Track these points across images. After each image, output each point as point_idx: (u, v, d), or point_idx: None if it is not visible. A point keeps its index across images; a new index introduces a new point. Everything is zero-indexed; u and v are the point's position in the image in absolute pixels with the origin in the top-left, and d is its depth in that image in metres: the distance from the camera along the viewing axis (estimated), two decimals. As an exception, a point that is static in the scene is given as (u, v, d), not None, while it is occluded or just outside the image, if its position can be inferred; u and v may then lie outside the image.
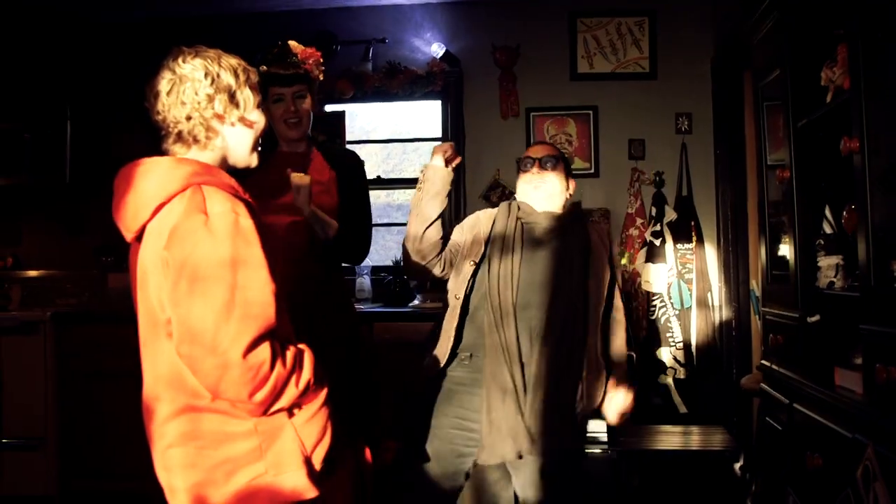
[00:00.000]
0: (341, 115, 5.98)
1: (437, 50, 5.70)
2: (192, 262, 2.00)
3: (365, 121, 6.47)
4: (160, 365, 2.13)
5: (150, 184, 2.10)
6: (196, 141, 2.18)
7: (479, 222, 3.39)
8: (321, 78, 3.81)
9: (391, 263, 5.92)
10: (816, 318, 3.15)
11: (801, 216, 3.28)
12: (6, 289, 5.79)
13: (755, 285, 4.94)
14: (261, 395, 2.02)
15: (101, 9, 5.66)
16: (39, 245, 6.13)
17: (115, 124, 5.78)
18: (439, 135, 5.96)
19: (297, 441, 2.12)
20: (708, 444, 4.69)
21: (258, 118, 2.27)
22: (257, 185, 3.33)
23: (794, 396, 3.22)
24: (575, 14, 5.73)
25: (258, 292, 2.03)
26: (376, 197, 6.79)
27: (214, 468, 2.09)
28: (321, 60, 3.81)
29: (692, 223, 5.53)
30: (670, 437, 4.79)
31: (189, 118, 2.15)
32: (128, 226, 2.16)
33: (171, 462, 2.13)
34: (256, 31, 5.61)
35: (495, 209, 3.44)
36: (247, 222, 2.06)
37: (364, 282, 5.69)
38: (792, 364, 3.33)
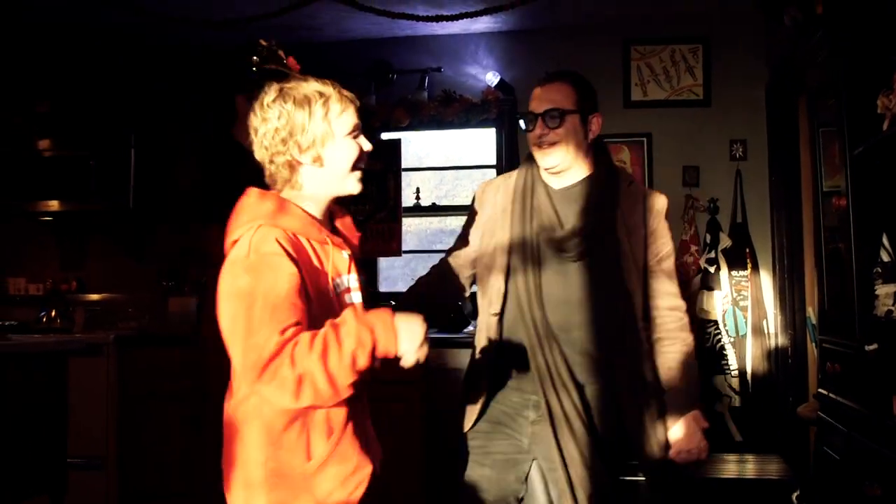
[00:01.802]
0: (397, 143, 6.05)
1: (492, 78, 5.75)
2: (224, 292, 2.12)
3: (418, 147, 6.54)
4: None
5: (235, 219, 2.20)
6: (284, 181, 2.23)
7: (493, 216, 2.95)
8: None
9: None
10: (874, 346, 3.12)
11: (858, 244, 3.27)
12: (70, 312, 5.93)
13: (811, 313, 4.90)
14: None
15: (166, 34, 5.80)
16: (102, 269, 6.26)
17: (179, 151, 5.92)
18: (493, 162, 6.01)
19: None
20: (764, 472, 4.64)
21: (342, 149, 2.23)
22: None
23: (852, 425, 3.20)
24: (629, 42, 5.76)
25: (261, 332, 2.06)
26: (429, 223, 6.85)
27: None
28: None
29: (747, 250, 5.49)
30: (725, 466, 4.75)
31: (272, 161, 2.21)
32: (227, 242, 2.23)
33: None
34: (316, 62, 5.70)
35: (505, 181, 3.00)
36: (283, 265, 2.08)
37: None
38: (850, 393, 3.30)
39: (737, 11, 5.37)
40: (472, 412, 2.91)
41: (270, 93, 2.21)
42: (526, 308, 2.78)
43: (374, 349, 2.05)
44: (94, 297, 6.21)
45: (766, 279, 5.50)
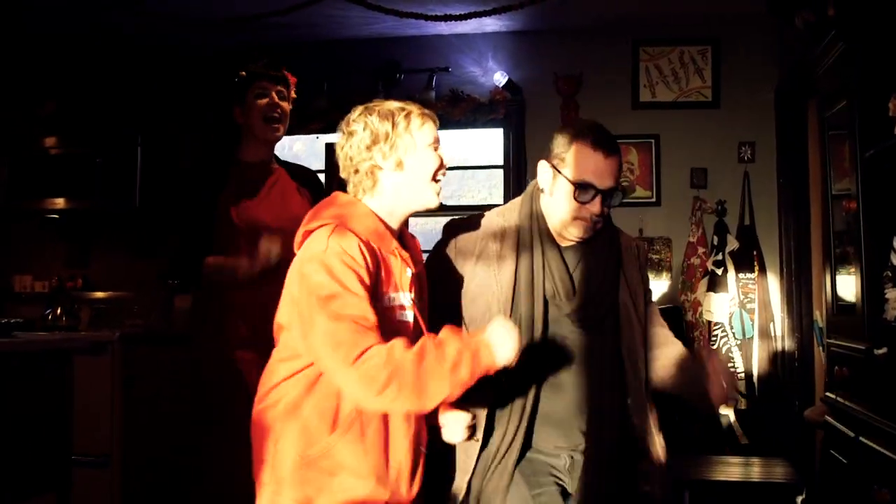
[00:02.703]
0: (403, 142, 6.03)
1: (500, 78, 5.74)
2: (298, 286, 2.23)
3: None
4: None
5: (313, 215, 2.33)
6: (365, 191, 2.33)
7: (485, 267, 2.62)
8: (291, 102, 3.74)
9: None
10: (884, 350, 3.11)
11: (867, 247, 3.26)
12: (76, 310, 5.93)
13: (818, 316, 4.89)
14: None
15: (172, 37, 5.80)
16: (108, 267, 6.26)
17: (185, 150, 5.92)
18: (500, 162, 6.01)
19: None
20: (769, 475, 4.62)
21: (422, 159, 2.33)
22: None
23: (860, 430, 3.19)
24: (638, 43, 5.75)
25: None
26: (434, 223, 6.84)
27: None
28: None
29: (754, 253, 5.48)
30: (730, 468, 4.73)
31: (357, 171, 2.32)
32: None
33: None
34: (322, 60, 5.72)
35: (491, 227, 2.69)
36: (357, 267, 2.17)
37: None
38: (858, 397, 3.29)
39: (746, 13, 5.35)
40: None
41: (354, 111, 2.34)
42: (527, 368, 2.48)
43: (475, 366, 2.16)
44: (100, 295, 6.21)
45: (774, 282, 5.49)
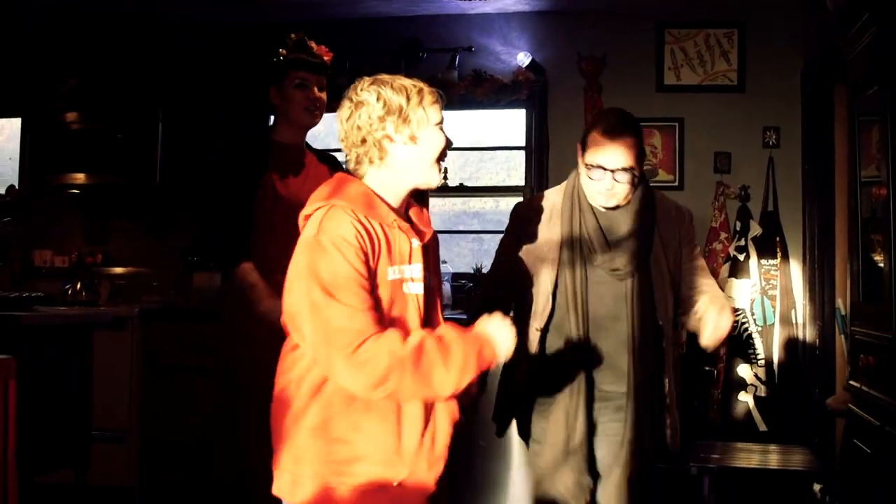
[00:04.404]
0: (425, 122, 6.01)
1: (524, 59, 5.70)
2: (295, 270, 2.23)
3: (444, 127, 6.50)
4: None
5: (312, 197, 2.33)
6: (371, 162, 2.31)
7: (538, 236, 3.10)
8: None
9: (471, 270, 5.93)
10: (912, 339, 3.08)
11: (897, 235, 3.21)
12: (95, 285, 5.94)
13: (841, 304, 4.85)
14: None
15: (195, 13, 5.78)
16: (127, 242, 6.26)
17: (206, 127, 5.91)
18: (522, 143, 5.98)
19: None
20: (788, 463, 4.60)
21: (433, 136, 2.33)
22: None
23: (885, 419, 3.16)
24: (663, 25, 5.69)
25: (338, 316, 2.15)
26: (453, 204, 6.82)
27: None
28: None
29: (777, 239, 5.44)
30: (750, 456, 4.71)
31: (364, 141, 2.29)
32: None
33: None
34: (345, 37, 5.67)
35: (548, 201, 3.15)
36: (351, 248, 2.17)
37: (444, 288, 5.72)
38: (884, 385, 3.26)
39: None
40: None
41: (363, 82, 2.33)
42: (572, 324, 3.00)
43: (480, 360, 2.22)
44: (119, 270, 6.22)
45: (796, 268, 5.45)
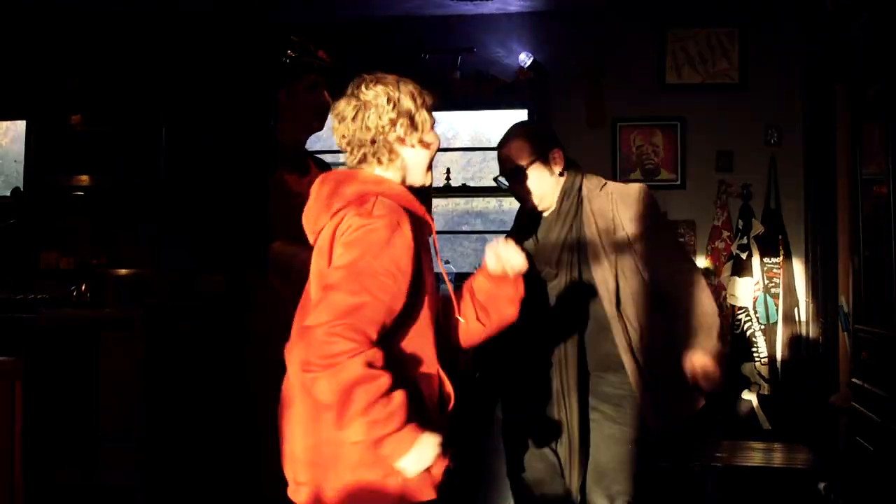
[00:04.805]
0: (428, 122, 6.02)
1: (525, 59, 5.71)
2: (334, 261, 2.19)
3: (445, 128, 6.51)
4: None
5: (338, 191, 2.27)
6: (379, 162, 2.31)
7: None
8: None
9: (474, 270, 5.93)
10: (914, 336, 3.09)
11: (899, 232, 3.22)
12: (101, 286, 5.96)
13: (843, 301, 4.86)
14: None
15: (198, 12, 5.80)
16: (132, 244, 6.27)
17: (210, 128, 5.93)
18: (524, 143, 5.97)
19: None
20: (791, 461, 4.60)
21: (434, 139, 2.36)
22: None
23: (888, 416, 3.17)
24: (665, 25, 5.70)
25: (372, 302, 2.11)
26: (456, 204, 6.83)
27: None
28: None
29: (780, 237, 5.45)
30: (753, 454, 4.72)
31: (373, 141, 2.28)
32: (312, 229, 2.33)
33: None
34: (347, 39, 5.70)
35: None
36: (401, 236, 2.16)
37: (444, 289, 5.71)
38: (886, 383, 3.27)
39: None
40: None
41: (366, 80, 2.31)
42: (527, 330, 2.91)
43: (385, 441, 2.08)
44: (125, 271, 6.22)
45: (799, 266, 5.46)
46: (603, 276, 3.02)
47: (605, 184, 3.17)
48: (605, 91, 5.75)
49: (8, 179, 6.54)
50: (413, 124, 2.29)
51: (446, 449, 2.18)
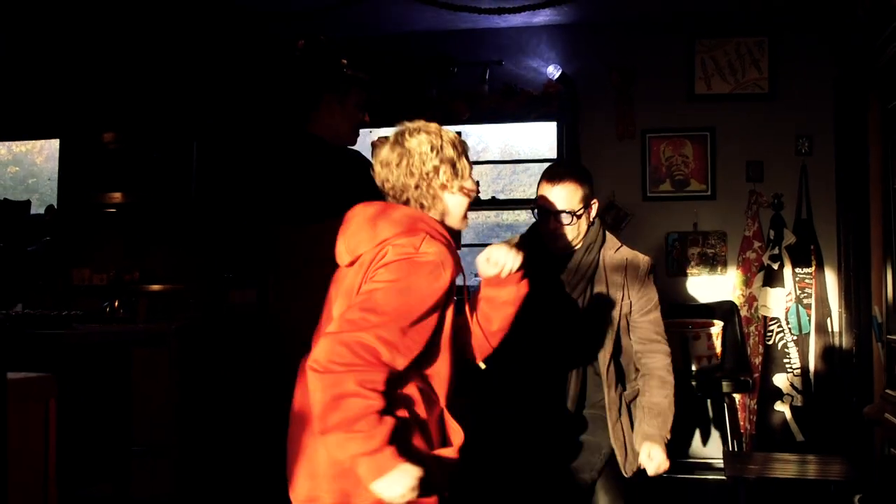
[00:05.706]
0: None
1: (554, 71, 5.72)
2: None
3: (475, 140, 6.53)
4: None
5: (392, 215, 2.37)
6: (422, 207, 2.43)
7: None
8: None
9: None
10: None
11: (931, 242, 3.19)
12: (133, 302, 6.01)
13: (877, 312, 4.81)
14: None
15: (228, 28, 5.85)
16: (164, 260, 6.33)
17: (241, 144, 5.98)
18: (553, 155, 5.98)
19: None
20: (826, 473, 4.55)
21: (473, 186, 2.47)
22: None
23: (922, 428, 3.14)
24: (693, 35, 5.68)
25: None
26: (486, 217, 6.84)
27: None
28: None
29: (812, 247, 5.41)
30: (786, 466, 4.67)
31: (417, 187, 2.41)
32: (351, 250, 2.38)
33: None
34: (376, 53, 5.73)
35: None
36: (439, 281, 2.26)
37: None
38: (921, 394, 3.24)
39: (804, 3, 5.27)
40: None
41: (408, 129, 2.44)
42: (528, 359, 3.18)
43: (360, 460, 2.12)
44: (157, 287, 6.28)
45: (831, 277, 5.41)
46: (603, 330, 3.18)
47: (620, 247, 3.30)
48: (634, 102, 5.74)
49: (42, 197, 6.64)
50: (455, 171, 2.41)
51: (440, 488, 2.27)
